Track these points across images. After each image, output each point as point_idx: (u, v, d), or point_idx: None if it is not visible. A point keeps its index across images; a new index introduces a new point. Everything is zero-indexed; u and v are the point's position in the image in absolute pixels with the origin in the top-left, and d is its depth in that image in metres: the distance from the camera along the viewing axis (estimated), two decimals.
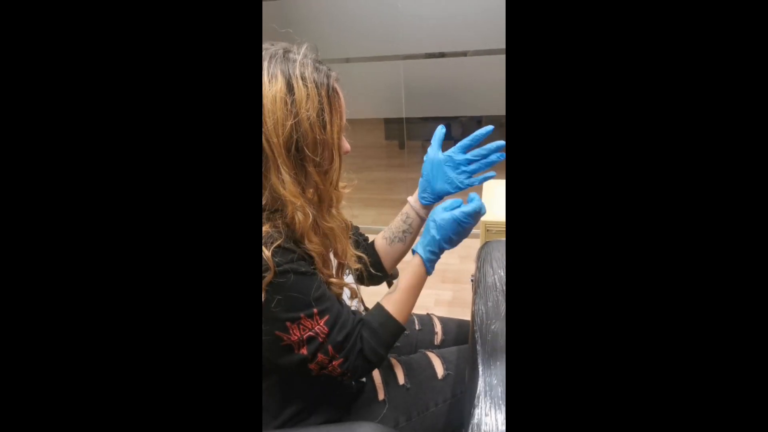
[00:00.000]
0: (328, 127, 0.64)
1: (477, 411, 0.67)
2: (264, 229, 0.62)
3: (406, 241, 0.90)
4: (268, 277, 0.59)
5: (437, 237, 0.72)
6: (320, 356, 0.64)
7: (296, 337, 0.62)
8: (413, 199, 0.89)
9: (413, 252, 0.76)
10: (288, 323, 0.62)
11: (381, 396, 0.81)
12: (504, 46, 1.98)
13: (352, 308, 0.76)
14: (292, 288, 0.61)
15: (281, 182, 0.62)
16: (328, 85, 0.64)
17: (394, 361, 0.86)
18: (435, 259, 0.74)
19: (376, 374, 0.83)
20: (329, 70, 0.66)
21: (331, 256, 0.74)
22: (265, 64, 0.61)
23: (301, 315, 0.62)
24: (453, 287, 2.05)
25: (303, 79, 0.61)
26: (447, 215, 0.72)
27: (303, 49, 0.65)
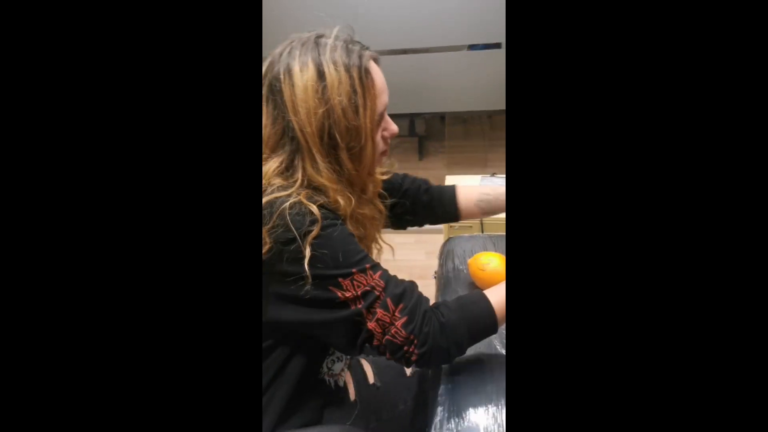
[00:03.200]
0: (361, 110, 0.61)
1: (440, 409, 0.66)
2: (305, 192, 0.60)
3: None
4: (315, 229, 0.56)
5: None
6: (380, 312, 0.58)
7: (350, 294, 0.58)
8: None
9: None
10: (340, 279, 0.58)
11: (352, 396, 0.79)
12: (466, 43, 1.99)
13: None
14: (340, 241, 0.59)
15: (317, 171, 0.61)
16: (360, 66, 0.61)
17: (363, 360, 0.85)
18: None
19: (347, 375, 0.82)
20: (363, 49, 0.63)
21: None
22: (297, 53, 0.60)
23: (354, 270, 0.58)
24: (420, 283, 2.05)
25: (334, 63, 0.59)
26: None
27: (335, 32, 0.63)
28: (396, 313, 0.59)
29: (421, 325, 0.60)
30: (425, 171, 3.15)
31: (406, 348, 0.60)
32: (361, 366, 0.84)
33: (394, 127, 0.70)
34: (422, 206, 0.89)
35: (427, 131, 3.32)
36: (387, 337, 0.60)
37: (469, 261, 0.89)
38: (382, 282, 0.60)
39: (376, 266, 0.61)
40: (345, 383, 0.80)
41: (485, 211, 0.89)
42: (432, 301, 0.67)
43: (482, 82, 2.03)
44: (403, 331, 0.59)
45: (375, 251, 0.79)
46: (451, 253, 1.03)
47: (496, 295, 0.66)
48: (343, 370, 0.80)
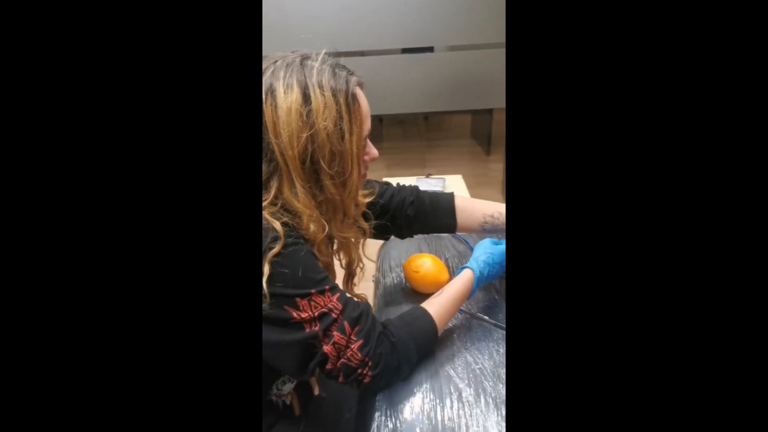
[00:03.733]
0: (347, 136, 0.60)
1: (377, 414, 0.66)
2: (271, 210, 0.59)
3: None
4: (277, 247, 0.55)
5: (489, 266, 0.77)
6: (337, 335, 0.59)
7: (307, 315, 0.57)
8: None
9: (461, 268, 0.78)
10: (298, 299, 0.57)
11: (297, 411, 0.78)
12: (400, 46, 2.02)
13: None
14: (301, 261, 0.58)
15: (294, 195, 0.60)
16: (347, 91, 0.60)
17: None
18: (481, 281, 0.77)
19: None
20: (350, 74, 0.62)
21: (343, 266, 0.73)
22: (281, 74, 0.57)
23: (312, 291, 0.58)
24: (363, 286, 2.05)
25: (320, 87, 0.58)
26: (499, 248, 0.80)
27: (321, 55, 0.61)
28: (352, 336, 0.60)
29: (376, 347, 0.61)
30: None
31: (360, 371, 0.61)
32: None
33: (374, 152, 0.70)
34: (408, 220, 0.87)
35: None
36: (342, 360, 0.60)
37: (404, 264, 0.91)
38: (339, 305, 0.60)
39: (334, 288, 0.61)
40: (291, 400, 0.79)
41: (490, 231, 0.88)
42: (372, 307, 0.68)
43: (417, 84, 2.06)
44: (359, 354, 0.60)
45: (358, 270, 0.79)
46: (388, 255, 1.04)
47: (435, 307, 0.71)
48: (290, 391, 0.79)
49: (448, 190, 1.72)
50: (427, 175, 1.78)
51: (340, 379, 0.61)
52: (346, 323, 0.60)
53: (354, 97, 0.61)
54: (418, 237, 1.11)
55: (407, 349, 0.65)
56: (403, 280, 0.94)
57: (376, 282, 0.98)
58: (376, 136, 3.49)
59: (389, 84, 2.06)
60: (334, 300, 0.60)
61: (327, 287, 0.59)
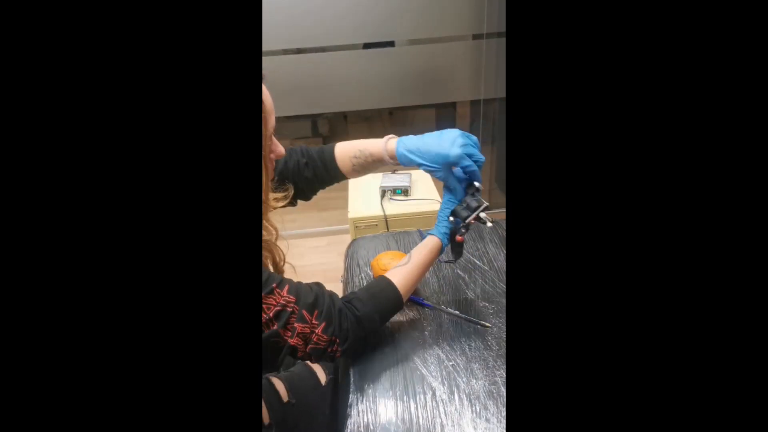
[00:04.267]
0: None
1: (350, 420, 0.64)
2: None
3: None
4: None
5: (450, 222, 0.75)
6: (298, 326, 0.60)
7: (264, 318, 0.58)
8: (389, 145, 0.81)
9: (425, 235, 0.78)
10: None
11: (266, 419, 0.75)
12: (362, 41, 1.99)
13: None
14: None
15: None
16: None
17: (274, 379, 0.81)
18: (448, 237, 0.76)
19: None
20: None
21: (271, 268, 0.71)
22: None
23: (261, 294, 0.58)
24: (329, 287, 2.03)
25: None
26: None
27: None
28: (314, 321, 0.61)
29: (340, 324, 0.63)
30: None
31: (330, 349, 0.63)
32: (272, 385, 0.80)
33: (281, 149, 0.67)
34: (308, 183, 0.85)
35: (330, 131, 3.29)
36: (310, 346, 0.61)
37: (372, 262, 0.89)
38: (292, 297, 0.60)
39: (282, 282, 0.61)
40: None
41: (360, 172, 0.85)
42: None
43: (380, 80, 2.05)
44: (325, 336, 0.62)
45: (285, 267, 0.77)
46: (356, 255, 1.02)
47: (399, 277, 0.72)
48: None
49: (414, 185, 1.72)
50: (393, 171, 1.77)
51: (313, 360, 0.64)
52: (304, 312, 0.60)
53: None
54: (385, 234, 1.09)
55: (372, 321, 0.67)
56: (371, 279, 0.92)
57: (345, 283, 0.96)
58: (341, 134, 3.45)
59: (352, 80, 2.03)
60: (285, 294, 0.60)
61: (274, 285, 0.59)
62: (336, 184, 0.88)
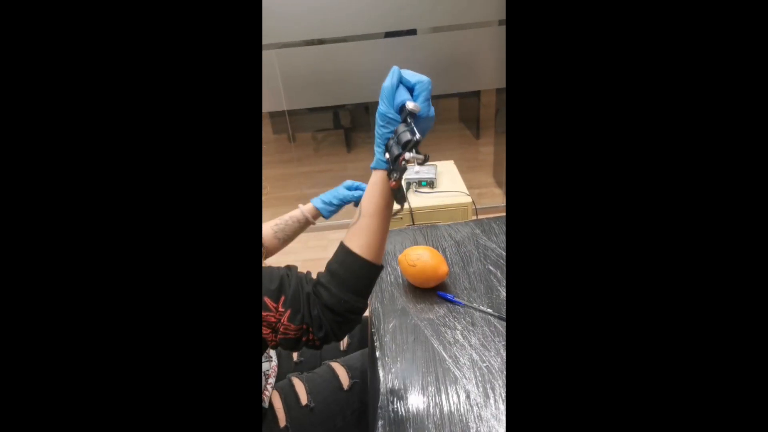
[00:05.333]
0: None
1: (380, 423, 0.62)
2: None
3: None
4: None
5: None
6: (263, 314, 0.55)
7: None
8: (306, 208, 0.93)
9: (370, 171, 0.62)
10: None
11: (282, 422, 0.73)
12: (383, 30, 1.95)
13: None
14: None
15: None
16: None
17: (295, 380, 0.79)
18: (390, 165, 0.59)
19: (276, 398, 0.75)
20: None
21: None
22: None
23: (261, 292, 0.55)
24: None
25: None
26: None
27: None
28: (280, 308, 0.56)
29: (310, 311, 0.57)
30: (354, 163, 3.10)
31: (303, 338, 0.57)
32: (292, 387, 0.78)
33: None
34: None
35: (352, 122, 3.26)
36: (279, 336, 0.57)
37: (399, 257, 0.86)
38: None
39: None
40: (272, 405, 0.74)
41: (283, 240, 0.93)
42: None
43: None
44: (292, 325, 0.56)
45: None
46: None
47: (355, 238, 0.59)
48: (269, 384, 0.74)
49: (440, 177, 1.68)
50: (421, 163, 1.73)
51: (293, 351, 0.60)
52: (266, 299, 0.56)
53: None
54: (411, 228, 1.06)
55: (345, 303, 0.57)
56: (399, 275, 0.89)
57: None
58: (363, 125, 3.42)
59: (374, 70, 1.99)
60: None
61: None
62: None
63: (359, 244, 0.59)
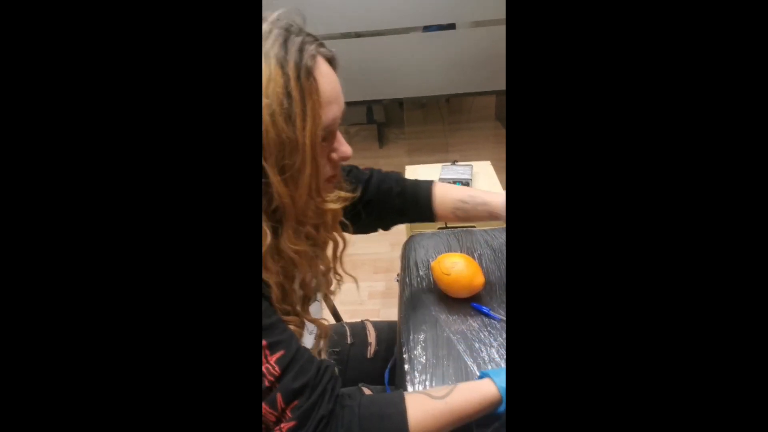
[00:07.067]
0: (298, 121, 0.47)
1: None
2: None
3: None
4: None
5: None
6: (265, 408, 0.47)
7: None
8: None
9: (482, 374, 0.58)
10: None
11: None
12: (421, 24, 1.90)
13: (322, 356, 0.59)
14: None
15: None
16: (299, 63, 0.47)
17: None
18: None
19: None
20: (306, 42, 0.49)
21: (296, 286, 0.57)
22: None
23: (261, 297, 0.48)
24: (385, 277, 1.98)
25: (265, 54, 0.46)
26: None
27: (275, 15, 0.49)
28: (287, 413, 0.47)
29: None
30: (386, 159, 3.06)
31: None
32: None
33: (346, 149, 0.57)
34: (394, 212, 0.78)
35: (386, 118, 3.22)
36: None
37: (432, 264, 0.81)
38: (277, 369, 0.47)
39: (277, 344, 0.48)
40: None
41: (461, 218, 0.77)
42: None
43: (438, 65, 1.95)
44: None
45: (334, 282, 0.68)
46: (413, 254, 0.95)
47: (421, 412, 0.51)
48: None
49: (476, 177, 1.62)
50: (453, 162, 1.67)
51: None
52: (279, 396, 0.47)
53: (309, 71, 0.48)
54: (445, 231, 1.01)
55: None
56: (431, 282, 0.85)
57: (402, 282, 0.89)
58: (397, 121, 3.38)
59: (410, 65, 1.95)
60: (272, 361, 0.47)
61: (265, 342, 0.47)
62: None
63: (421, 425, 0.51)
